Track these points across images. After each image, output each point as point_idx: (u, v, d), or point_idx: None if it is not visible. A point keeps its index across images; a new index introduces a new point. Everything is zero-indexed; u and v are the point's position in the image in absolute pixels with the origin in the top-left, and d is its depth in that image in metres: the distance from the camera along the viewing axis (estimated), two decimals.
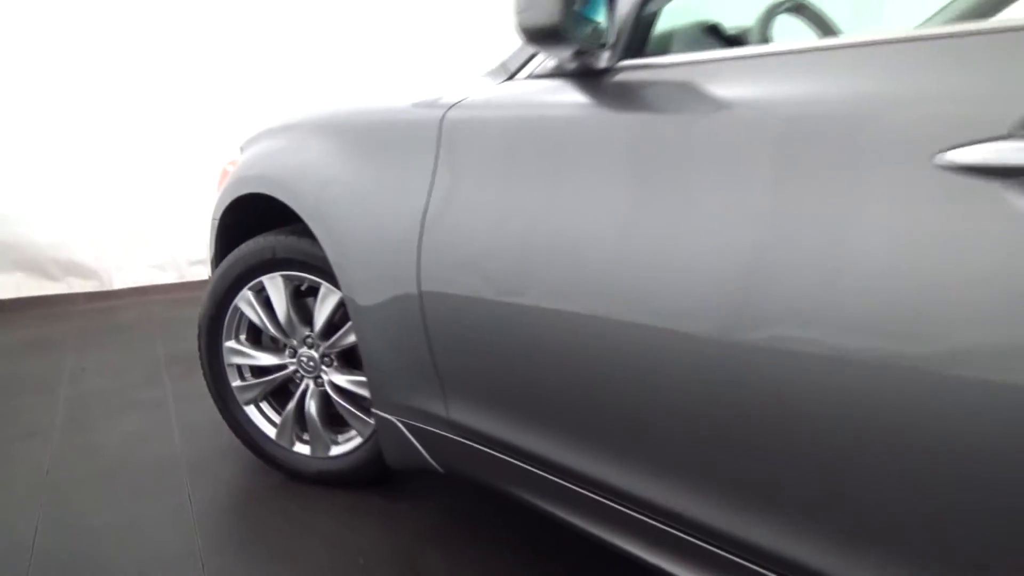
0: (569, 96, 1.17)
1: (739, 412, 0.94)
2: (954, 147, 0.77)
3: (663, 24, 1.22)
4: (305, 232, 1.69)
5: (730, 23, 1.49)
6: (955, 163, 0.77)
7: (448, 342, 1.35)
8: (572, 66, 1.19)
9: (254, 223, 1.91)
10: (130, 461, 2.06)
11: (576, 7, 1.01)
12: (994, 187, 0.74)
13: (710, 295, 0.94)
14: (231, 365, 1.92)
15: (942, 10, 1.71)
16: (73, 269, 3.86)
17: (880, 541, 0.86)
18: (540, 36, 1.03)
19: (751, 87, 0.95)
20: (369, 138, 1.49)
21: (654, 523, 1.11)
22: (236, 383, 1.92)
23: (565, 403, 1.17)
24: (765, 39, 1.46)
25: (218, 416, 2.01)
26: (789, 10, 1.57)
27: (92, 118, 3.73)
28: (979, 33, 0.80)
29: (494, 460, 1.36)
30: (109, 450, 2.13)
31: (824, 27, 1.69)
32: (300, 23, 4.15)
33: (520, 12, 1.02)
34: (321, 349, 1.79)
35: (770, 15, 1.46)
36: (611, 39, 1.12)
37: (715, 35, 1.45)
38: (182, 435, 2.22)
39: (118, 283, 4.02)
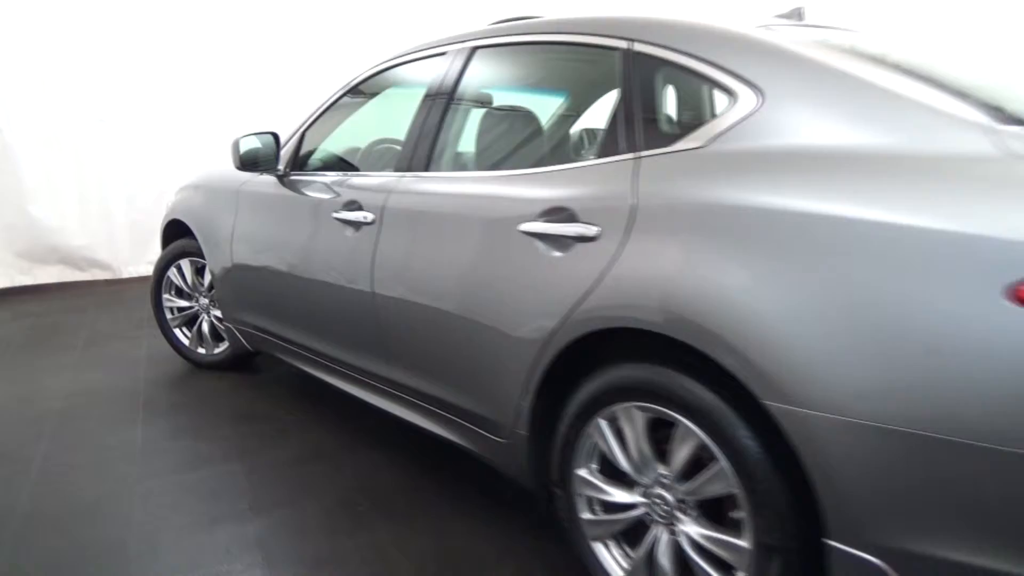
0: (274, 185, 2.95)
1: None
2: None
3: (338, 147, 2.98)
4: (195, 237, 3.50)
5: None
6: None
7: (246, 285, 3.14)
8: (271, 173, 2.98)
9: (179, 233, 3.71)
10: (117, 359, 3.88)
11: (259, 158, 2.80)
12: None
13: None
14: (168, 307, 3.73)
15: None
16: (95, 263, 5.73)
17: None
18: (243, 167, 2.83)
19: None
20: (216, 194, 3.30)
21: (349, 373, 2.74)
22: (168, 314, 3.74)
23: (299, 315, 2.89)
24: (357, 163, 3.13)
25: (164, 340, 3.81)
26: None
27: (111, 152, 5.58)
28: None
29: (273, 344, 3.13)
30: (108, 356, 3.96)
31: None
32: (287, 27, 5.95)
33: (236, 156, 2.82)
34: (206, 303, 3.59)
35: (372, 146, 3.18)
36: (280, 166, 2.91)
37: (341, 160, 3.12)
38: (147, 351, 4.03)
39: (126, 273, 5.88)
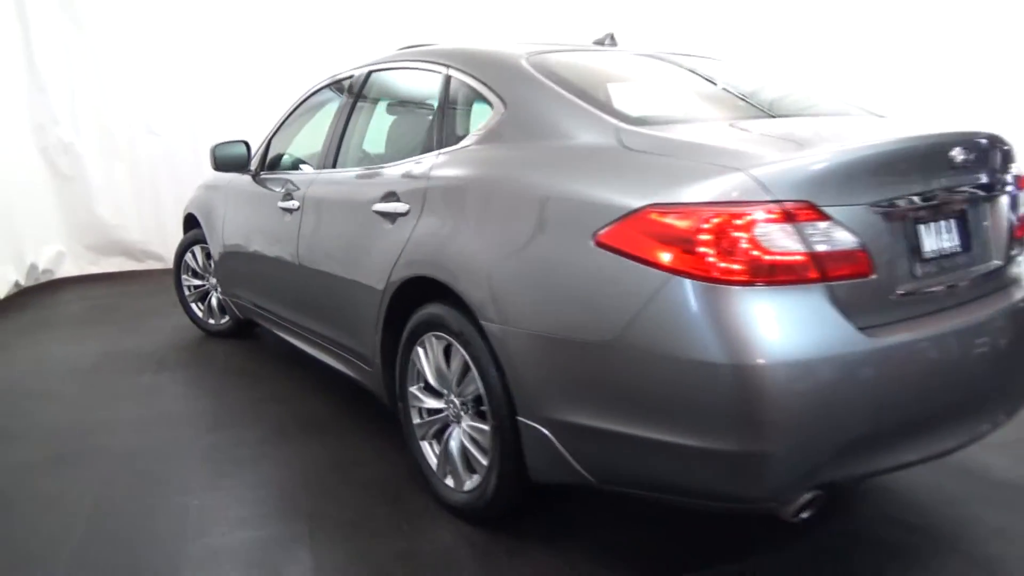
0: (248, 183, 3.69)
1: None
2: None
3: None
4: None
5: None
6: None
7: (232, 264, 3.90)
8: (246, 173, 3.72)
9: (194, 224, 4.51)
10: (149, 329, 4.74)
11: (231, 161, 3.55)
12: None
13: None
14: (186, 286, 4.55)
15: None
16: (150, 255, 6.69)
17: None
18: (220, 168, 3.58)
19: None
20: (214, 191, 4.08)
21: (293, 329, 3.48)
22: (186, 292, 4.55)
23: (261, 285, 3.61)
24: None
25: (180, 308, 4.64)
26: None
27: (162, 160, 6.50)
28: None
29: (251, 310, 3.88)
30: (143, 327, 4.83)
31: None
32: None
33: (216, 158, 3.57)
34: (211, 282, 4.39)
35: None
36: (254, 166, 3.65)
37: (297, 160, 3.83)
38: (174, 324, 4.85)
39: None
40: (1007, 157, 2.05)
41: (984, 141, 1.94)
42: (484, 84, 2.27)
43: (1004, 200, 2.03)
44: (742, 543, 2.19)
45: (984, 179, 1.94)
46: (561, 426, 1.85)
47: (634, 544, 2.19)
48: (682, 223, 1.61)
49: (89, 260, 6.55)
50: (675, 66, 2.49)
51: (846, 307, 1.62)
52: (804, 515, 1.70)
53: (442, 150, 2.35)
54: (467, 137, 2.27)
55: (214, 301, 4.45)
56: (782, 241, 1.58)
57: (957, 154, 1.80)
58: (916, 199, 1.77)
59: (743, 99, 2.32)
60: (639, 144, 1.83)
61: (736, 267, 1.57)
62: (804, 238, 1.59)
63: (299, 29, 6.56)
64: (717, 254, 1.57)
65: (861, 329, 1.63)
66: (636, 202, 1.68)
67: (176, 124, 6.47)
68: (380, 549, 2.18)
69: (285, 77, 6.50)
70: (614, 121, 1.91)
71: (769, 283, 1.58)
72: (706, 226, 1.58)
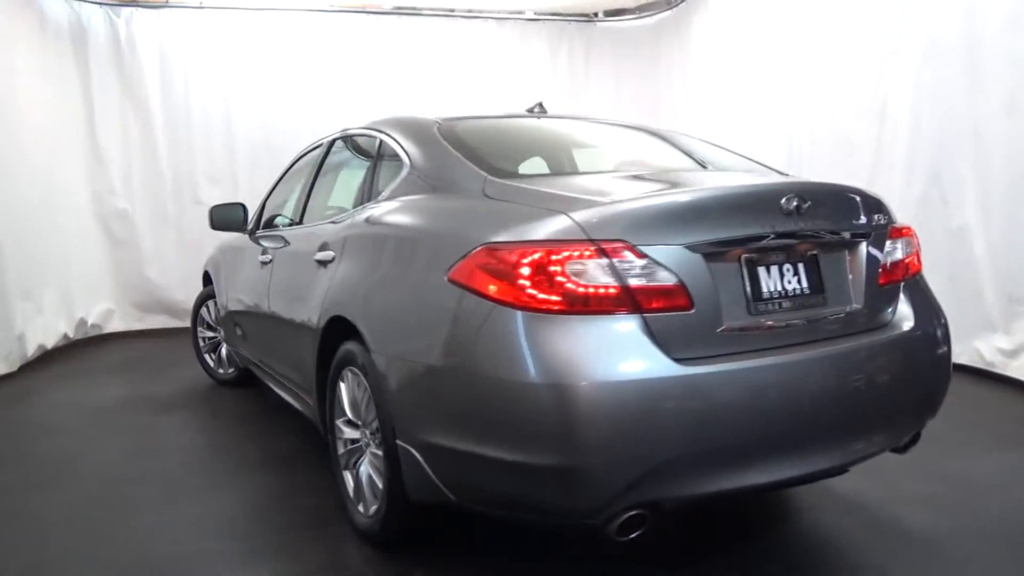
0: (245, 241, 4.06)
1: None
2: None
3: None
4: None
5: None
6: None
7: (228, 317, 4.23)
8: (243, 232, 4.10)
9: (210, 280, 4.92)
10: (169, 378, 5.12)
11: (228, 221, 3.93)
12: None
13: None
14: (201, 337, 4.92)
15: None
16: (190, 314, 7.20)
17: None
18: (216, 227, 3.96)
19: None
20: (222, 251, 4.47)
21: (268, 371, 3.83)
22: (200, 343, 4.92)
23: (252, 335, 3.94)
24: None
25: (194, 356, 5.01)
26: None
27: (204, 227, 7.06)
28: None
29: (247, 359, 4.19)
30: (164, 376, 5.21)
31: None
32: None
33: (213, 219, 3.96)
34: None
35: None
36: (249, 227, 4.02)
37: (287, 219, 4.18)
38: (192, 374, 5.21)
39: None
40: (866, 208, 2.18)
41: (826, 192, 2.09)
42: (400, 146, 2.56)
43: (863, 248, 2.15)
44: None
45: (832, 227, 2.07)
46: (427, 447, 2.03)
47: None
48: (508, 259, 1.81)
49: (136, 317, 7.09)
50: (571, 128, 2.74)
51: (662, 337, 1.78)
52: (632, 535, 1.82)
53: (366, 204, 2.63)
54: (384, 192, 2.55)
55: (223, 352, 4.81)
56: (596, 275, 1.77)
57: (786, 203, 1.95)
58: (744, 243, 1.92)
59: (618, 156, 2.55)
60: (496, 193, 2.06)
61: (554, 298, 1.76)
62: (618, 273, 1.77)
63: (332, 106, 7.10)
64: (537, 286, 1.77)
65: (679, 359, 1.77)
66: (475, 242, 1.89)
67: (219, 196, 7.02)
68: (293, 569, 2.37)
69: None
70: (483, 174, 2.15)
71: (584, 312, 1.76)
72: (526, 261, 1.78)
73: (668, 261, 1.81)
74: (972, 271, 4.25)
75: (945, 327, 2.30)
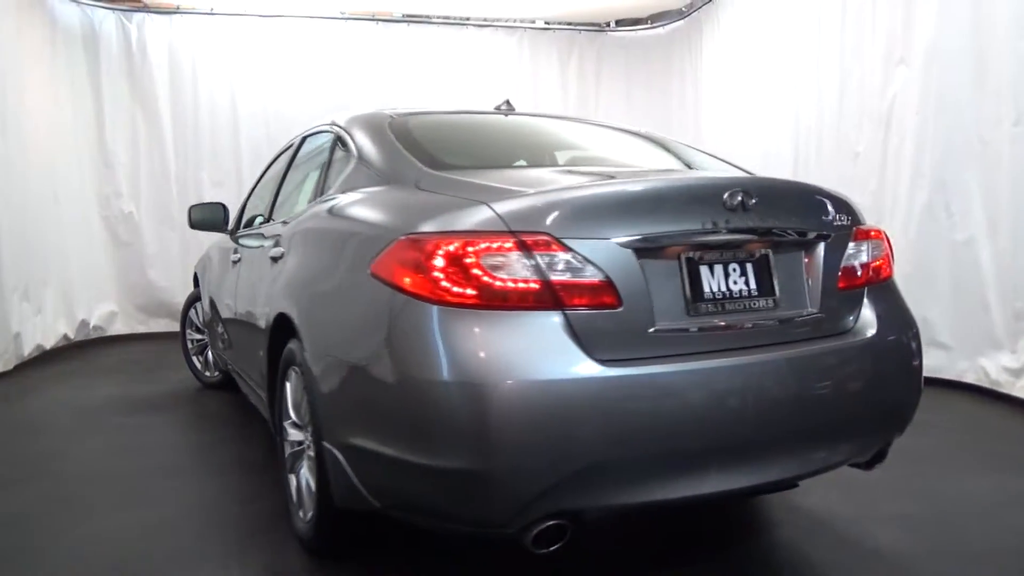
0: (227, 241, 4.02)
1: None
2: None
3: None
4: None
5: None
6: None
7: (210, 319, 4.19)
8: (224, 232, 4.06)
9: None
10: (158, 380, 5.10)
11: (206, 221, 3.90)
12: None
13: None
14: (189, 340, 4.89)
15: None
16: None
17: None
18: (197, 227, 3.92)
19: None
20: (208, 253, 4.44)
21: (236, 370, 3.83)
22: (189, 345, 4.90)
23: (226, 335, 3.92)
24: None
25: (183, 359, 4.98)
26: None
27: None
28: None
29: (224, 361, 4.15)
30: (155, 379, 5.20)
31: None
32: None
33: (192, 218, 3.92)
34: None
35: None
36: (230, 227, 3.98)
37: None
38: (181, 376, 5.18)
39: None
40: (826, 208, 2.05)
41: (777, 189, 1.96)
42: (353, 141, 2.48)
43: (820, 249, 2.01)
44: None
45: (783, 225, 1.94)
46: (349, 449, 1.93)
47: None
48: (423, 250, 1.72)
49: (139, 320, 7.12)
50: (535, 126, 2.64)
51: (586, 336, 1.66)
52: (552, 547, 1.70)
53: (317, 200, 2.55)
54: (332, 187, 2.47)
55: (210, 355, 4.77)
56: (516, 269, 1.66)
57: (729, 199, 1.83)
58: (682, 239, 1.80)
59: (565, 151, 2.44)
60: (429, 184, 1.97)
61: (469, 292, 1.66)
62: (540, 268, 1.66)
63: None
64: (451, 279, 1.67)
65: (603, 360, 1.66)
66: (396, 233, 1.80)
67: (224, 200, 7.04)
68: (235, 574, 2.29)
69: None
70: (420, 166, 2.06)
71: (502, 308, 1.65)
72: (440, 252, 1.68)
73: (595, 256, 1.70)
74: (978, 284, 4.05)
75: (916, 338, 2.15)
